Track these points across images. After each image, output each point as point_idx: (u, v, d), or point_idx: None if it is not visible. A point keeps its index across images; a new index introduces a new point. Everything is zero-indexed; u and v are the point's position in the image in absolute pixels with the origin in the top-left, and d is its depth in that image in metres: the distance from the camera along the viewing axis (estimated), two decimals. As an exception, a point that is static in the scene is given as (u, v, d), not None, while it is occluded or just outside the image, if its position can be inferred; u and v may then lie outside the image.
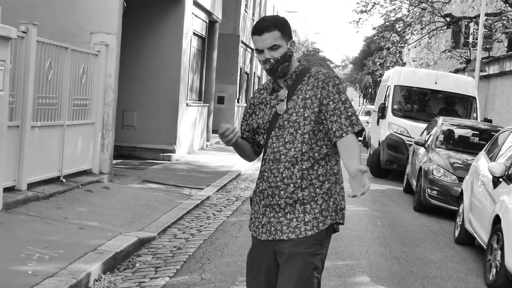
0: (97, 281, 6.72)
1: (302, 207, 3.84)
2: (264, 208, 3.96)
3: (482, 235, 8.55)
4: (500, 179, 8.26)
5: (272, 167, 3.88)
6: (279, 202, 3.87)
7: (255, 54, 3.99)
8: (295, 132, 3.84)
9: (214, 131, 26.25)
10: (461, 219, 10.14)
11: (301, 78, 3.91)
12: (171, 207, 10.95)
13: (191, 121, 19.38)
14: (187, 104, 18.59)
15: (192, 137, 19.80)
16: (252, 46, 32.60)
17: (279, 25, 3.84)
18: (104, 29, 12.44)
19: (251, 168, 18.51)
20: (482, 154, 10.32)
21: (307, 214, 3.84)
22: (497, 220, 7.76)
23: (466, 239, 9.95)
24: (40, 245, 7.28)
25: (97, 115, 12.28)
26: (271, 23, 3.84)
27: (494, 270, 7.61)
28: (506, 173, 8.23)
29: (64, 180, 11.00)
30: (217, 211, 11.34)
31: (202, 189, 13.36)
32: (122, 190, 11.75)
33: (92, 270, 6.67)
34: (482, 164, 9.82)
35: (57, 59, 10.67)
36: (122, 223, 9.30)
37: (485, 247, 8.32)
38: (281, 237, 3.86)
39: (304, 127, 3.83)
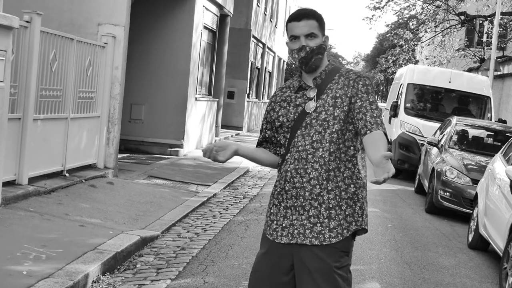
0: (95, 282, 6.43)
1: (328, 212, 3.68)
2: (285, 210, 3.76)
3: (498, 242, 8.21)
4: (518, 184, 7.92)
5: (297, 167, 3.71)
6: (304, 204, 3.70)
7: (288, 43, 3.82)
8: (323, 131, 3.71)
9: (224, 126, 26.04)
10: (475, 223, 9.81)
11: (331, 78, 3.81)
12: (177, 204, 10.67)
13: (199, 116, 19.10)
14: (196, 98, 18.29)
15: (201, 132, 19.51)
16: (263, 41, 32.30)
17: (317, 15, 3.78)
18: (112, 20, 12.16)
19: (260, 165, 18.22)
20: (498, 157, 9.96)
21: (332, 220, 3.67)
22: (514, 227, 7.44)
23: (480, 244, 9.61)
24: (38, 243, 7.00)
25: (103, 108, 12.00)
26: (310, 11, 3.80)
27: (510, 279, 7.27)
28: (524, 177, 7.90)
29: (67, 174, 10.74)
30: (224, 209, 11.05)
31: (209, 186, 13.08)
32: (126, 186, 11.48)
33: (90, 271, 6.38)
34: (498, 167, 9.47)
35: (62, 50, 10.39)
36: (125, 220, 9.02)
37: (501, 254, 7.99)
38: (304, 242, 3.68)
39: (333, 126, 3.70)
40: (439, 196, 12.24)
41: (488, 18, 35.61)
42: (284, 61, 45.92)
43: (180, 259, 7.57)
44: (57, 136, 10.43)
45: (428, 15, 36.05)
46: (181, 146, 17.22)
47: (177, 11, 17.11)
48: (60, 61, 10.30)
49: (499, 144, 14.41)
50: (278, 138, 3.91)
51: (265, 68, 34.91)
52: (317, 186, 3.67)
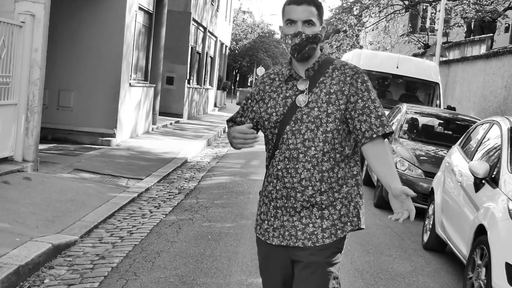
0: (-12, 306, 5.33)
1: (320, 212, 3.54)
2: (275, 210, 3.61)
3: (460, 246, 7.31)
4: (483, 181, 7.02)
5: (288, 166, 3.53)
6: (295, 205, 3.54)
7: (282, 27, 3.57)
8: (316, 129, 3.50)
9: (162, 114, 24.85)
10: (431, 222, 8.94)
11: (324, 70, 3.59)
12: (102, 202, 9.57)
13: (134, 102, 17.91)
14: (130, 84, 17.11)
15: (136, 120, 18.33)
16: (204, 24, 31.15)
17: (318, 3, 3.57)
18: (30, -3, 10.91)
19: (199, 154, 17.17)
20: (456, 149, 9.09)
21: (325, 220, 3.53)
22: (480, 230, 6.53)
23: (437, 245, 8.76)
24: None
25: (20, 95, 10.76)
26: None
27: (476, 291, 6.39)
28: (490, 174, 7.01)
29: (-23, 169, 9.53)
30: (155, 206, 9.99)
31: (142, 179, 11.97)
32: (46, 182, 10.30)
33: (-18, 292, 5.28)
34: (457, 161, 8.59)
35: (-31, 29, 9.15)
36: (38, 223, 7.87)
37: (464, 260, 7.12)
38: (296, 244, 3.54)
39: (327, 124, 3.50)
40: (389, 189, 11.37)
41: (432, 4, 35.23)
42: (226, 46, 44.79)
43: (97, 272, 6.49)
44: (-36, 126, 9.20)
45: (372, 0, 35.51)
46: (113, 135, 16.03)
47: (108, -10, 15.90)
48: (-34, 41, 9.06)
49: (451, 133, 13.65)
50: (266, 133, 3.68)
51: (207, 53, 33.74)
52: (310, 188, 3.51)
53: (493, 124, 8.14)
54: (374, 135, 3.44)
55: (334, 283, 3.55)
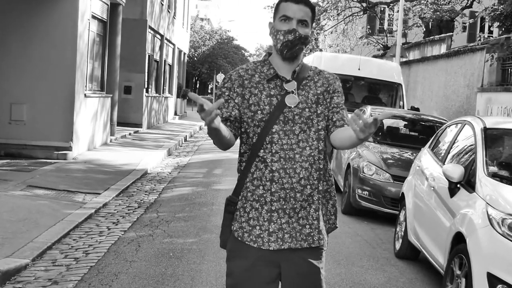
0: None
1: (316, 213, 3.57)
2: (269, 214, 3.52)
3: (437, 255, 6.91)
4: (458, 185, 6.64)
5: (286, 167, 3.50)
6: (295, 206, 3.52)
7: (275, 23, 3.60)
8: (308, 129, 3.57)
9: (121, 124, 24.26)
10: (402, 229, 8.55)
11: (305, 74, 3.66)
12: (56, 220, 9.03)
13: (91, 113, 17.32)
14: (85, 95, 16.52)
15: (93, 132, 17.74)
16: (161, 32, 30.65)
17: (313, 7, 3.64)
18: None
19: (160, 165, 16.66)
20: (426, 151, 8.71)
21: (320, 222, 3.59)
22: (458, 238, 6.14)
23: (410, 253, 8.37)
24: None
25: (-34, 110, 10.19)
26: (308, 0, 3.61)
27: (456, 303, 6.00)
28: (465, 177, 6.63)
29: None
30: (113, 223, 9.48)
31: (99, 194, 11.43)
32: (-3, 201, 9.73)
33: None
34: (428, 164, 8.21)
35: None
36: (-14, 247, 7.33)
37: (440, 270, 6.74)
38: (296, 246, 3.52)
39: (318, 123, 3.60)
40: (356, 195, 11.01)
41: (390, 5, 35.20)
42: (185, 54, 44.27)
43: (49, 299, 5.99)
44: None
45: (330, 2, 35.36)
46: (69, 148, 15.44)
47: (59, -2, 15.33)
48: None
49: (417, 134, 13.35)
50: (247, 130, 3.58)
51: (165, 60, 33.19)
52: (308, 187, 3.53)
53: (465, 124, 7.77)
54: (345, 125, 3.57)
55: (323, 281, 3.62)
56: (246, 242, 3.53)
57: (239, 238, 3.55)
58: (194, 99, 3.12)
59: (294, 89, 3.59)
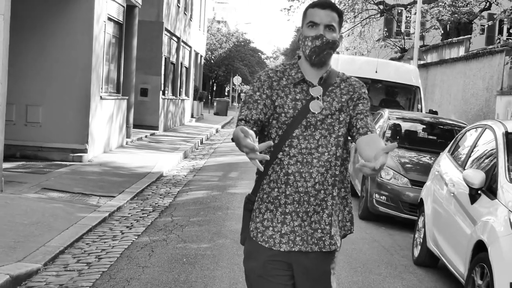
0: None
1: (329, 218, 3.57)
2: (283, 216, 3.55)
3: (457, 263, 6.74)
4: (479, 191, 6.46)
5: (302, 170, 3.53)
6: (308, 210, 3.55)
7: (302, 29, 3.61)
8: (329, 135, 3.60)
9: (137, 126, 24.20)
10: (421, 236, 8.37)
11: (333, 80, 3.67)
12: (70, 224, 8.94)
13: (106, 116, 17.26)
14: (101, 97, 16.46)
15: (109, 134, 17.67)
16: (178, 34, 30.59)
17: (340, 11, 3.65)
18: (-11, 8, 10.27)
19: (175, 168, 16.55)
20: (446, 156, 8.52)
21: (332, 227, 3.59)
22: (479, 247, 5.97)
23: (429, 261, 8.19)
24: None
25: (-20, 112, 10.12)
26: (334, 5, 3.63)
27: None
28: (486, 183, 6.45)
29: None
30: (127, 226, 9.37)
31: (114, 197, 11.34)
32: (10, 203, 9.65)
33: None
34: (447, 169, 8.03)
35: None
36: (-2, 251, 7.24)
37: (461, 279, 6.56)
38: (306, 249, 3.54)
39: (339, 130, 3.62)
40: (374, 200, 10.85)
41: (407, 7, 34.95)
42: (201, 56, 44.20)
43: (59, 306, 5.88)
44: None
45: (347, 5, 35.15)
46: (85, 150, 15.37)
47: (75, 0, 15.26)
48: None
49: (435, 138, 13.15)
50: (270, 131, 3.62)
51: (181, 63, 33.12)
52: (322, 192, 3.56)
53: (485, 128, 7.59)
54: (369, 132, 3.58)
55: (335, 283, 3.67)
56: (259, 242, 3.58)
57: (254, 238, 3.61)
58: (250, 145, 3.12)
59: (320, 95, 3.61)
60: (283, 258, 3.55)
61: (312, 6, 3.64)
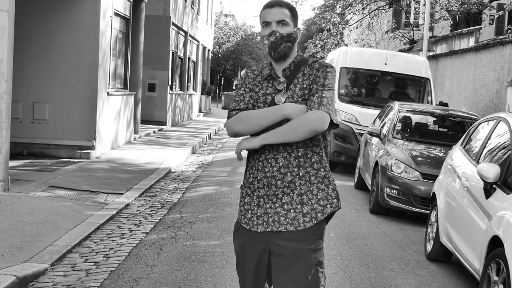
0: None
1: (300, 197, 3.80)
2: (258, 199, 3.88)
3: (471, 259, 6.59)
4: (494, 186, 6.30)
5: (268, 157, 3.84)
6: (276, 192, 3.82)
7: (260, 31, 3.93)
8: None
9: (145, 122, 24.11)
10: (434, 230, 8.22)
11: (299, 69, 3.90)
12: (77, 222, 8.83)
13: (114, 112, 17.15)
14: (108, 93, 16.35)
15: (116, 130, 17.56)
16: (185, 28, 30.47)
17: (290, 6, 3.90)
18: (-7, 4, 10.15)
19: (184, 164, 16.44)
20: (459, 149, 8.36)
21: (304, 205, 3.80)
22: (495, 242, 5.81)
23: (442, 255, 8.04)
24: None
25: (-14, 110, 10.02)
26: (282, 2, 3.91)
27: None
28: (501, 177, 6.29)
29: None
30: (135, 224, 9.26)
31: (122, 194, 11.23)
32: (17, 202, 9.55)
33: None
34: (460, 163, 7.88)
35: None
36: (4, 251, 7.13)
37: (476, 274, 6.42)
38: (279, 229, 3.80)
39: None
40: (385, 194, 10.69)
41: (415, -2, 34.73)
42: (209, 50, 44.06)
43: (66, 307, 5.77)
44: None
45: (355, -4, 34.93)
46: (92, 147, 15.27)
47: (80, -5, 15.15)
48: None
49: (446, 130, 12.97)
50: None
51: (189, 57, 32.98)
52: (288, 174, 3.79)
53: (499, 121, 7.41)
54: (308, 110, 3.73)
55: (319, 269, 3.76)
56: (242, 224, 3.94)
57: (239, 221, 3.99)
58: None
59: (284, 87, 3.87)
60: (261, 239, 3.84)
61: (263, 8, 3.93)
